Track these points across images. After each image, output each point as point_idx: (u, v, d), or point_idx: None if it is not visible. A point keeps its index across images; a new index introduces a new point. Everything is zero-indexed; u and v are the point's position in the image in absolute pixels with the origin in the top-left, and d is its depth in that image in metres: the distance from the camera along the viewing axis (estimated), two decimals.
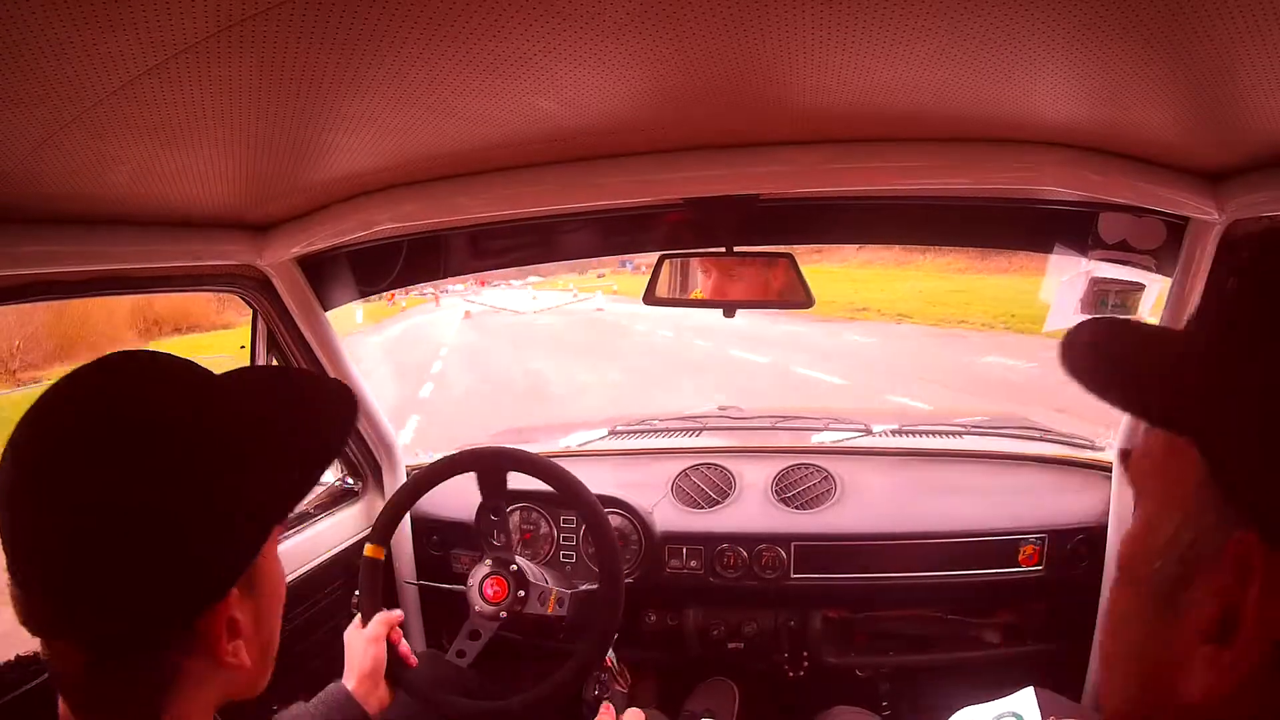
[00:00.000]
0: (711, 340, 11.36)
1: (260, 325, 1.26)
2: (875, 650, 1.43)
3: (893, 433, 1.64)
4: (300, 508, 1.42)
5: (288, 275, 1.17)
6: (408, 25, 0.48)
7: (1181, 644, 0.30)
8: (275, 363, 1.29)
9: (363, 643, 1.01)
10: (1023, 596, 1.37)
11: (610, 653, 1.21)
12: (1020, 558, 1.32)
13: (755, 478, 1.49)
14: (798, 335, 11.97)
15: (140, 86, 0.51)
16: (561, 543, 1.45)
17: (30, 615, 0.42)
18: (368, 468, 1.51)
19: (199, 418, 0.45)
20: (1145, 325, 0.42)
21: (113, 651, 0.43)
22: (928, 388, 7.49)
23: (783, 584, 1.36)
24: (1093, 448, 1.49)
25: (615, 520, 1.40)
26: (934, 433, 1.65)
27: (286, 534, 1.30)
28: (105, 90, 0.51)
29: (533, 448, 1.44)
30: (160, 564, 0.42)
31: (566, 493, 1.16)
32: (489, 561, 1.16)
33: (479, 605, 1.14)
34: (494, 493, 1.19)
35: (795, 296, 1.09)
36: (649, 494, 1.47)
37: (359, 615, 1.09)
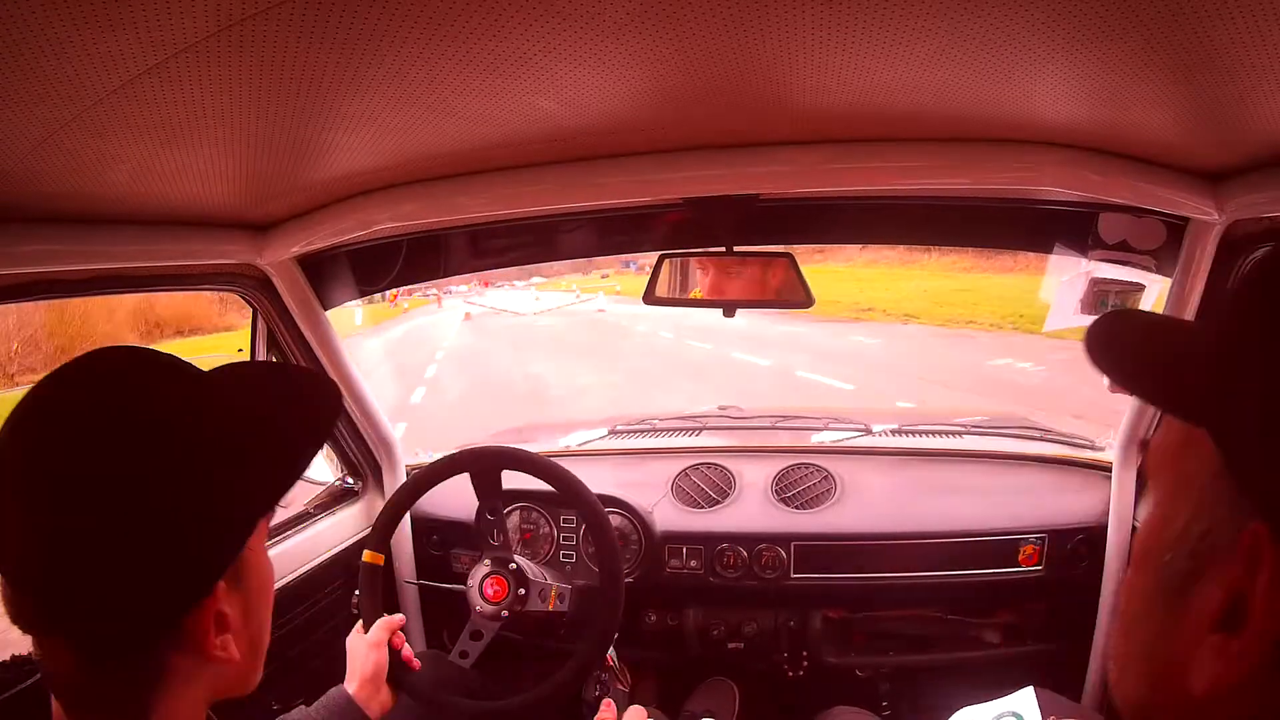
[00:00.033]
0: (712, 342, 11.16)
1: (260, 324, 1.26)
2: (875, 650, 1.43)
3: (893, 432, 1.64)
4: (300, 508, 1.42)
5: (288, 274, 1.17)
6: (408, 25, 0.48)
7: (1191, 634, 0.30)
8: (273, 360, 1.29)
9: (364, 647, 1.01)
10: (1022, 596, 1.37)
11: (611, 652, 1.21)
12: (1020, 558, 1.32)
13: (755, 477, 1.49)
14: (801, 336, 11.67)
15: (140, 86, 0.51)
16: (561, 542, 1.45)
17: (20, 613, 0.42)
18: (368, 468, 1.51)
19: (183, 411, 0.45)
20: (1165, 318, 0.42)
21: (100, 648, 0.43)
22: (938, 392, 7.26)
23: (782, 584, 1.36)
24: (1093, 448, 1.49)
25: (615, 520, 1.40)
26: (934, 432, 1.65)
27: (286, 534, 1.30)
28: (105, 89, 0.51)
29: (533, 447, 1.44)
30: (145, 558, 0.42)
31: (566, 492, 1.16)
32: (488, 561, 1.16)
33: (480, 605, 1.14)
34: (490, 493, 1.19)
35: (795, 296, 1.09)
36: (649, 493, 1.47)
37: (360, 621, 1.09)
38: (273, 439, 0.49)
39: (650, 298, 1.15)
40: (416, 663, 1.06)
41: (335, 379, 1.35)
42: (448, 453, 1.30)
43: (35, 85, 0.49)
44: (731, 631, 1.41)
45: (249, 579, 0.49)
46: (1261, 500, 0.28)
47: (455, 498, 1.41)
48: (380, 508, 1.23)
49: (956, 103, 0.72)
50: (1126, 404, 1.30)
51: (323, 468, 1.50)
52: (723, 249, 1.11)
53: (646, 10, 0.49)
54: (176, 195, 0.82)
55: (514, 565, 1.15)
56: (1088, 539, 1.31)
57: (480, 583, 1.15)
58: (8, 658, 0.78)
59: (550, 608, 1.16)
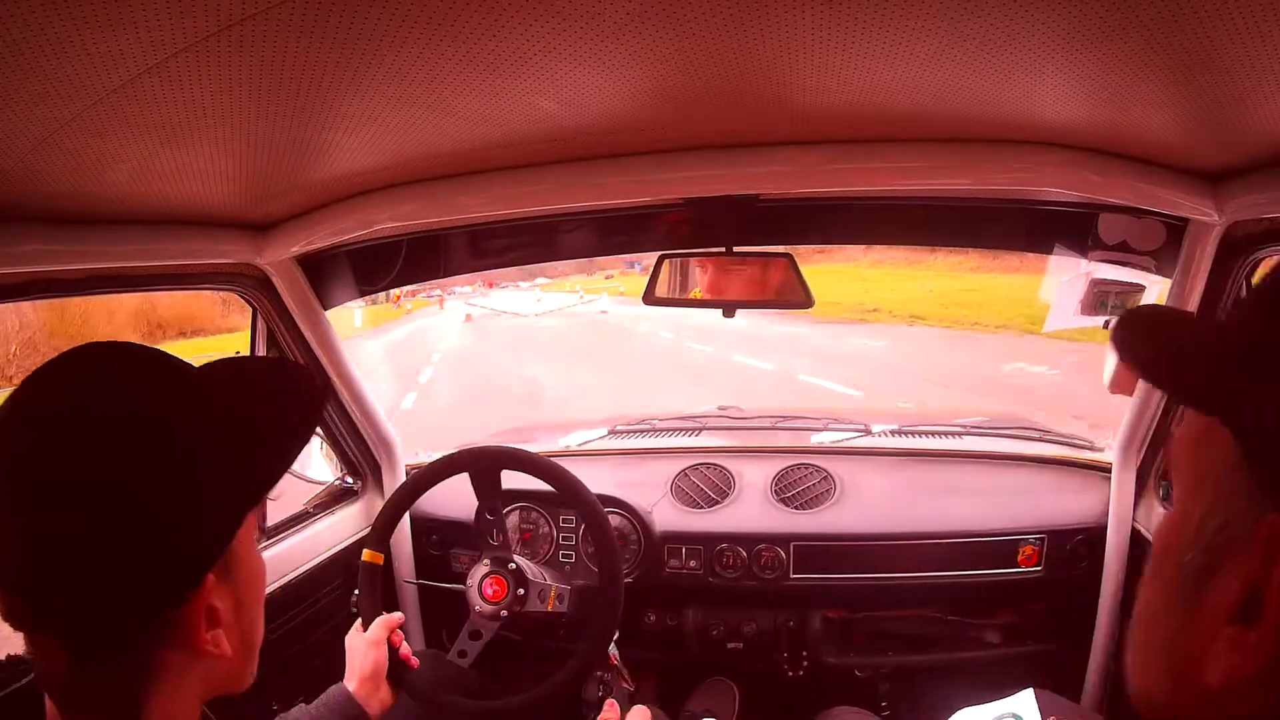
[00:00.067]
0: (713, 344, 10.90)
1: (260, 324, 1.26)
2: (875, 650, 1.43)
3: (892, 433, 1.64)
4: (300, 507, 1.42)
5: (287, 274, 1.17)
6: (408, 25, 0.48)
7: (1208, 627, 0.30)
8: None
9: (364, 646, 1.02)
10: (1022, 597, 1.37)
11: (614, 650, 1.22)
12: (1019, 558, 1.32)
13: (755, 478, 1.49)
14: (804, 338, 11.35)
15: (140, 85, 0.51)
16: (561, 542, 1.45)
17: (10, 611, 0.42)
18: (367, 467, 1.51)
19: (166, 405, 0.44)
20: (1188, 314, 0.43)
21: (89, 645, 0.43)
22: (951, 398, 6.85)
23: (782, 584, 1.36)
24: (1092, 448, 1.49)
25: (615, 520, 1.40)
26: (933, 433, 1.65)
27: (286, 533, 1.30)
28: (105, 89, 0.51)
29: (532, 447, 1.44)
30: (131, 554, 0.41)
31: (566, 492, 1.16)
32: (487, 561, 1.16)
33: (479, 605, 1.14)
34: (489, 492, 1.19)
35: (795, 296, 1.09)
36: (648, 494, 1.47)
37: (360, 619, 1.09)
38: (259, 430, 0.49)
39: (650, 298, 1.16)
40: (415, 661, 1.06)
41: (335, 379, 1.35)
42: (447, 452, 1.30)
43: (35, 85, 0.49)
44: (731, 632, 1.41)
45: (239, 573, 0.49)
46: (1278, 493, 0.28)
47: (455, 498, 1.41)
48: (380, 508, 1.23)
49: (956, 103, 0.72)
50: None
51: (322, 467, 1.50)
52: (722, 249, 1.11)
53: (646, 10, 0.49)
54: (176, 195, 0.82)
55: (513, 565, 1.15)
56: (1087, 539, 1.31)
57: (480, 582, 1.15)
58: (3, 657, 0.78)
59: (549, 608, 1.16)
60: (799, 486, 1.46)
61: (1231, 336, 0.33)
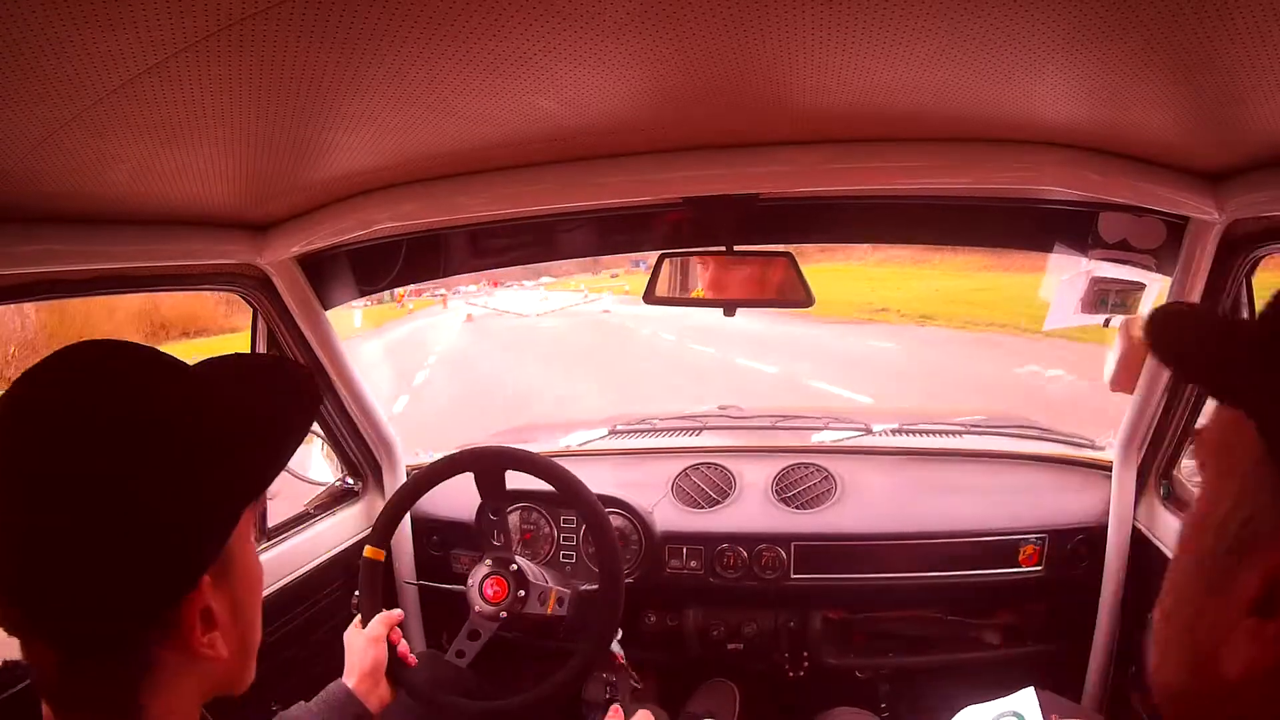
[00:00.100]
0: (715, 345, 10.62)
1: (260, 325, 1.26)
2: (875, 651, 1.43)
3: (893, 432, 1.64)
4: (300, 508, 1.42)
5: (288, 274, 1.17)
6: (408, 25, 0.48)
7: (1228, 618, 0.31)
8: None
9: (363, 642, 1.02)
10: (1022, 597, 1.37)
11: (620, 649, 1.22)
12: (1020, 558, 1.32)
13: (755, 477, 1.49)
14: (812, 340, 11.03)
15: (140, 85, 0.51)
16: (561, 543, 1.45)
17: (4, 615, 0.42)
18: (368, 467, 1.51)
19: (160, 402, 0.44)
20: (1217, 312, 0.44)
21: (84, 646, 0.42)
22: (970, 404, 5.95)
23: (782, 584, 1.36)
24: (1093, 447, 1.49)
25: (615, 520, 1.40)
26: (934, 432, 1.65)
27: (286, 534, 1.30)
28: (105, 89, 0.51)
29: (533, 447, 1.44)
30: (124, 554, 0.41)
31: (567, 492, 1.16)
32: (489, 561, 1.16)
33: (479, 605, 1.14)
34: (493, 493, 1.19)
35: (795, 295, 1.10)
36: (649, 494, 1.47)
37: (359, 615, 1.09)
38: (255, 427, 0.48)
39: (650, 297, 1.16)
40: (413, 659, 1.06)
41: (336, 379, 1.35)
42: (449, 452, 1.30)
43: (35, 85, 0.49)
44: (731, 632, 1.41)
45: (236, 574, 0.48)
46: None
47: (456, 498, 1.41)
48: (380, 508, 1.23)
49: (956, 103, 0.72)
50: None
51: (323, 468, 1.50)
52: (723, 248, 1.11)
53: (646, 10, 0.49)
54: (176, 195, 0.82)
55: (515, 566, 1.15)
56: (1088, 539, 1.31)
57: (480, 582, 1.15)
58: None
59: (549, 612, 1.15)
60: (799, 486, 1.46)
61: (1264, 334, 0.34)
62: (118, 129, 0.59)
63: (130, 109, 0.55)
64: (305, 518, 1.38)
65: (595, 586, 1.18)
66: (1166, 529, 1.21)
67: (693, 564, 1.39)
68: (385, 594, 1.19)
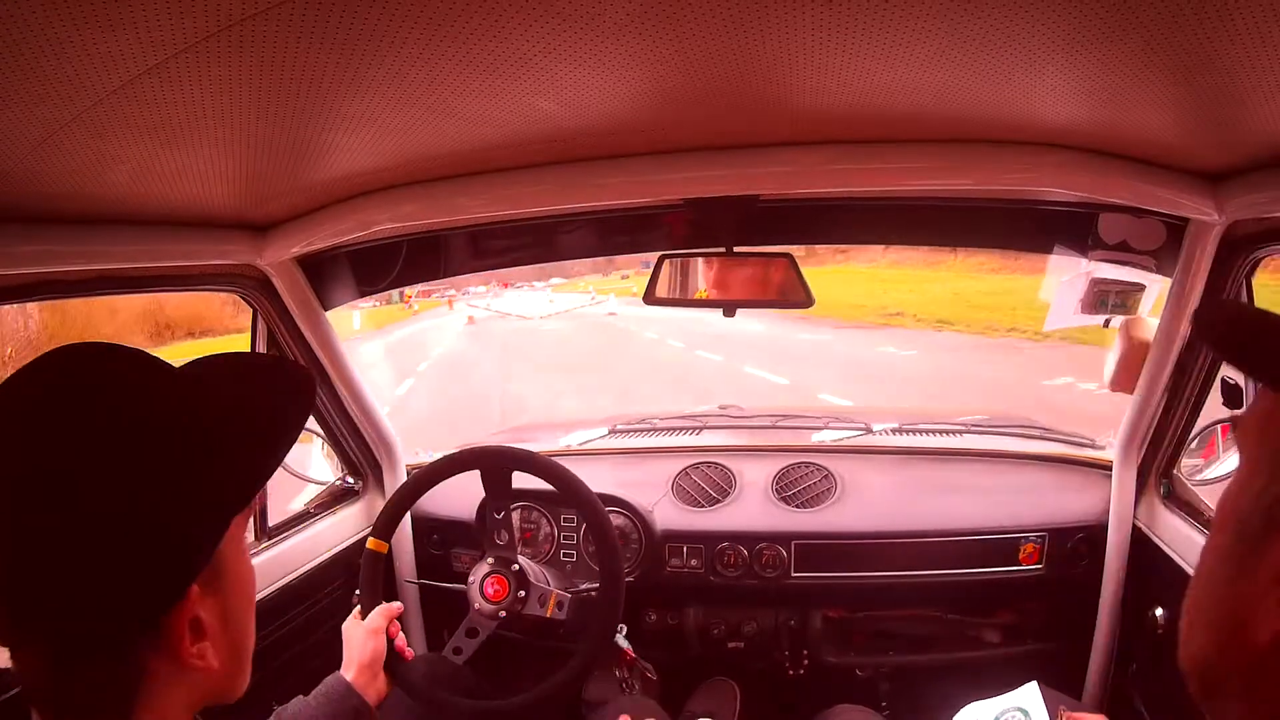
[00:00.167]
0: (722, 352, 10.09)
1: (260, 325, 1.26)
2: (875, 649, 1.43)
3: (893, 431, 1.64)
4: (300, 507, 1.42)
5: (288, 275, 1.17)
6: (408, 25, 0.48)
7: (1259, 588, 0.32)
8: None
9: (362, 634, 1.01)
10: (1023, 595, 1.37)
11: (628, 645, 1.22)
12: (1020, 556, 1.32)
13: (755, 476, 1.49)
14: (824, 346, 10.46)
15: (140, 86, 0.51)
16: (562, 542, 1.45)
17: None
18: (368, 467, 1.51)
19: (147, 405, 0.43)
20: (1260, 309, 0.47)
21: (70, 658, 0.41)
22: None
23: (783, 583, 1.36)
24: (1093, 446, 1.49)
25: (616, 519, 1.40)
26: (934, 431, 1.65)
27: (287, 534, 1.30)
28: (105, 90, 0.51)
29: (533, 446, 1.44)
30: (109, 561, 0.40)
31: (567, 492, 1.16)
32: (490, 560, 1.16)
33: (479, 603, 1.14)
34: (499, 492, 1.19)
35: (795, 296, 1.10)
36: (649, 493, 1.47)
37: (358, 608, 1.09)
38: (245, 431, 0.47)
39: (651, 298, 1.16)
40: (410, 652, 1.06)
41: (336, 379, 1.35)
42: (448, 452, 1.30)
43: (35, 85, 0.49)
44: (732, 631, 1.41)
45: (227, 582, 0.47)
46: None
47: (456, 497, 1.41)
48: (380, 508, 1.23)
49: (956, 104, 0.72)
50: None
51: (323, 467, 1.50)
52: (723, 249, 1.11)
53: (646, 11, 0.49)
54: (176, 196, 0.82)
55: (516, 566, 1.15)
56: (1088, 538, 1.31)
57: (481, 581, 1.15)
58: None
59: (548, 614, 1.15)
60: (800, 485, 1.46)
61: None
62: (118, 130, 0.59)
63: (130, 110, 0.55)
64: (305, 517, 1.38)
65: (595, 585, 1.18)
66: (1166, 528, 1.21)
67: (693, 563, 1.39)
68: (386, 591, 1.19)
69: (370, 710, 0.94)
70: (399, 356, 12.25)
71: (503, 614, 1.13)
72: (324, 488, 1.48)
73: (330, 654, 1.06)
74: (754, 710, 1.47)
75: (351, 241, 1.14)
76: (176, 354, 0.48)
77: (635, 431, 1.76)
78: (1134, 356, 1.21)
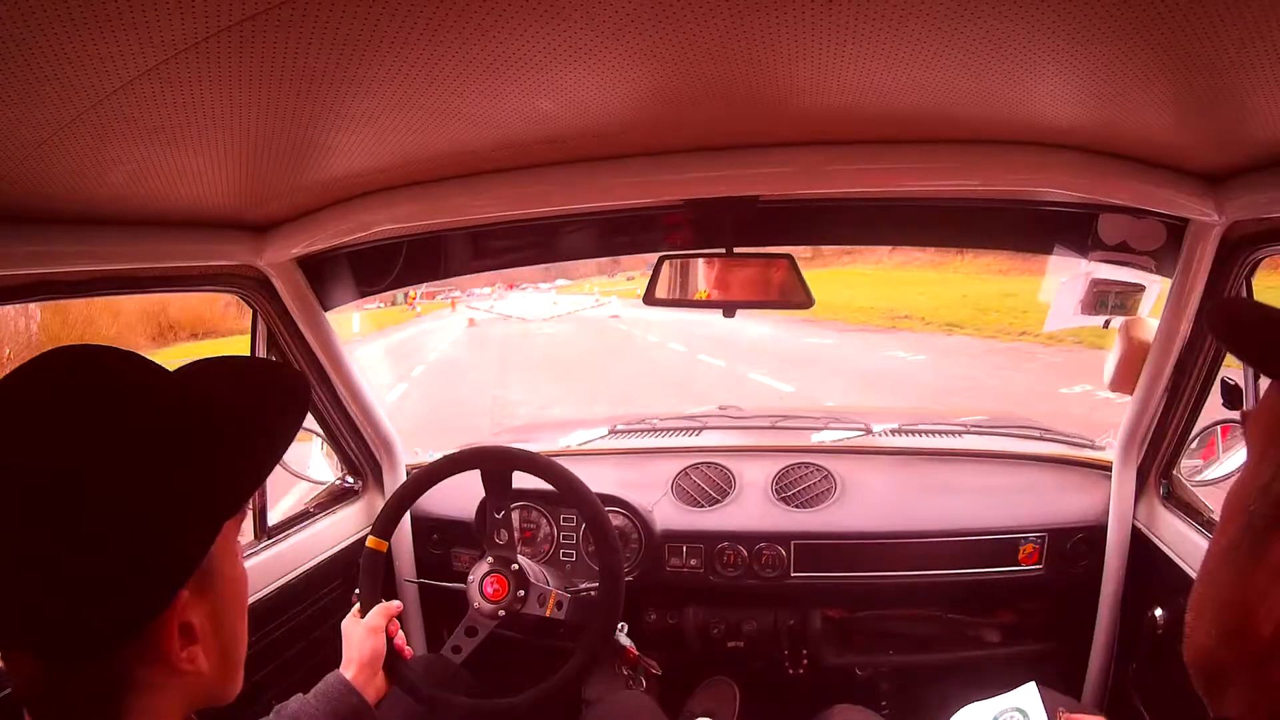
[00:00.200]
0: (725, 357, 9.81)
1: (260, 326, 1.26)
2: (875, 649, 1.43)
3: (893, 432, 1.64)
4: (300, 507, 1.42)
5: (288, 275, 1.17)
6: (408, 25, 0.48)
7: (1264, 579, 0.33)
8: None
9: (361, 632, 1.01)
10: (1022, 595, 1.37)
11: (630, 643, 1.22)
12: (1020, 556, 1.32)
13: (755, 476, 1.49)
14: (830, 351, 10.07)
15: (140, 86, 0.51)
16: (561, 541, 1.46)
17: None
18: (368, 467, 1.52)
19: (137, 410, 0.43)
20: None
21: (60, 661, 0.41)
22: None
23: (782, 583, 1.36)
24: (1093, 447, 1.50)
25: (615, 519, 1.40)
26: (934, 432, 1.65)
27: (286, 533, 1.30)
28: (105, 90, 0.51)
29: (533, 446, 1.44)
30: (98, 568, 0.39)
31: (567, 491, 1.16)
32: (490, 559, 1.16)
33: (478, 602, 1.14)
34: (499, 491, 1.19)
35: (795, 297, 1.10)
36: (649, 493, 1.47)
37: (357, 605, 1.09)
38: (237, 436, 0.46)
39: (650, 299, 1.16)
40: (409, 651, 1.06)
41: (336, 380, 1.35)
42: (448, 452, 1.30)
43: (35, 86, 0.49)
44: (731, 630, 1.42)
45: (218, 586, 0.47)
46: None
47: (456, 497, 1.41)
48: (380, 508, 1.23)
49: (956, 104, 0.72)
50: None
51: (323, 467, 1.50)
52: (723, 250, 1.11)
53: (646, 11, 0.49)
54: (176, 196, 0.82)
55: (516, 566, 1.15)
56: (1087, 538, 1.32)
57: (481, 580, 1.15)
58: None
59: (548, 614, 1.15)
60: (799, 485, 1.46)
61: None
62: (118, 131, 0.59)
63: (130, 111, 0.55)
64: (305, 516, 1.38)
65: (595, 585, 1.19)
66: (1166, 528, 1.21)
67: (693, 562, 1.39)
68: (385, 590, 1.19)
69: (369, 708, 0.94)
70: (395, 361, 12.06)
71: (502, 613, 1.13)
72: (324, 487, 1.48)
73: (330, 652, 1.06)
74: (753, 710, 1.47)
75: (352, 242, 1.14)
76: (179, 355, 0.48)
77: (635, 432, 1.76)
78: (1134, 357, 1.21)
